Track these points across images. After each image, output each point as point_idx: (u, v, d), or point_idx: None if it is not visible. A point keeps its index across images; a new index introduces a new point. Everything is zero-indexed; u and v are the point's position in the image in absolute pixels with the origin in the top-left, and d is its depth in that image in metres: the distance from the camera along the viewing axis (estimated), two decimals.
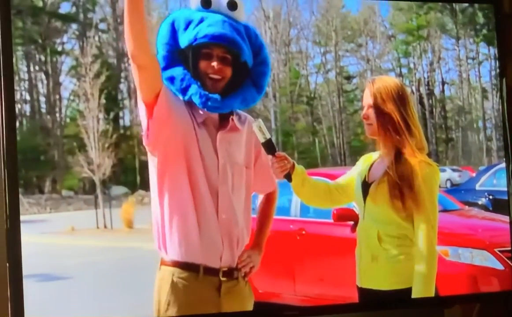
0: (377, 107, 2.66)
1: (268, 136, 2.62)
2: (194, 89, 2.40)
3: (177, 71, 2.44)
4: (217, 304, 2.45)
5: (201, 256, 2.41)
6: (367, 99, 2.70)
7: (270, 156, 2.66)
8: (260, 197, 2.76)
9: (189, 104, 2.42)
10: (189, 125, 2.41)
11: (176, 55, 2.46)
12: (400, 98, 2.67)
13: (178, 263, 2.40)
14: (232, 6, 2.52)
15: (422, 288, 2.57)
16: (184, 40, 2.44)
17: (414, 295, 2.57)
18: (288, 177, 2.69)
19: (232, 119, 2.49)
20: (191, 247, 2.40)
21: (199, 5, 2.51)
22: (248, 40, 2.52)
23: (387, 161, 2.67)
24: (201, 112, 2.43)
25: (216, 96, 2.41)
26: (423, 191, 2.58)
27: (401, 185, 2.60)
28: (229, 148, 2.49)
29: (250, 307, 2.61)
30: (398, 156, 2.64)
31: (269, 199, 2.77)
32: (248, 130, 2.58)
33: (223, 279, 2.44)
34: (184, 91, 2.42)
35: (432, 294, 2.60)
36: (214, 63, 2.41)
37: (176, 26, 2.48)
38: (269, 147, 2.63)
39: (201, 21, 2.45)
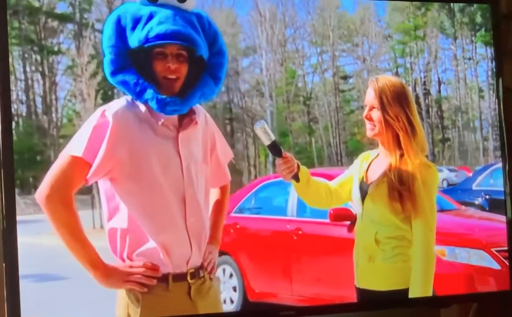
0: (383, 109, 2.64)
1: (273, 137, 2.58)
2: (149, 94, 2.29)
3: (129, 76, 2.31)
4: (190, 308, 2.42)
5: (169, 265, 2.36)
6: (371, 99, 2.67)
7: (276, 158, 2.64)
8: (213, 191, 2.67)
9: (146, 107, 2.34)
10: (143, 135, 2.33)
11: (125, 57, 2.33)
12: (404, 99, 2.66)
13: None
14: None
15: (419, 290, 2.58)
16: (133, 40, 2.31)
17: (411, 295, 2.58)
18: (296, 177, 2.67)
19: (194, 117, 2.42)
20: (158, 258, 2.35)
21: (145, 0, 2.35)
22: (201, 30, 2.40)
23: (386, 162, 2.66)
24: (158, 115, 2.35)
25: (175, 99, 2.32)
26: (422, 194, 2.58)
27: (401, 188, 2.59)
28: (190, 147, 2.41)
29: (220, 301, 2.64)
30: (399, 158, 2.63)
31: (223, 192, 2.71)
32: (203, 123, 2.51)
33: (191, 281, 2.40)
34: (139, 94, 2.31)
35: (429, 295, 2.60)
36: (170, 64, 2.31)
37: (123, 23, 2.33)
38: (275, 149, 2.60)
39: (150, 17, 2.31)
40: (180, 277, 2.38)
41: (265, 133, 2.57)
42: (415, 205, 2.58)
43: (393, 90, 2.65)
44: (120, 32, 2.31)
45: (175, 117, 2.40)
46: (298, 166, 2.69)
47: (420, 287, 2.57)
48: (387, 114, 2.63)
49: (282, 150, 2.63)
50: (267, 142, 2.59)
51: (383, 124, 2.65)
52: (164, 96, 2.30)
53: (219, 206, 2.68)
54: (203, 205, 2.47)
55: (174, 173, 2.36)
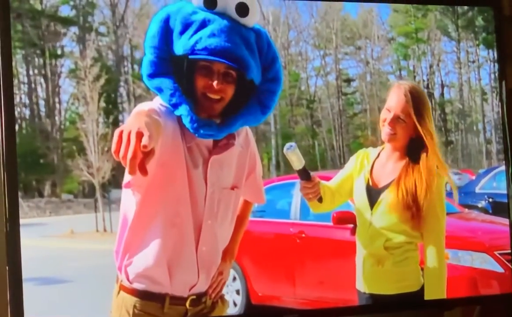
0: (420, 123, 2.57)
1: (303, 162, 2.46)
2: (184, 110, 2.05)
3: (166, 83, 2.08)
4: None
5: (169, 287, 2.20)
6: (397, 107, 2.58)
7: (303, 182, 2.57)
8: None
9: (181, 121, 2.09)
10: (180, 150, 2.11)
11: (167, 62, 2.10)
12: (429, 107, 2.61)
13: (141, 293, 2.19)
14: (242, 11, 2.11)
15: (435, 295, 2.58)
16: (179, 47, 2.07)
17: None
18: (320, 199, 2.63)
19: (233, 142, 2.21)
20: (159, 277, 2.18)
21: (201, 4, 2.10)
22: (258, 51, 2.16)
23: (397, 167, 2.62)
24: (191, 133, 2.09)
25: (211, 122, 2.09)
26: (436, 203, 2.55)
27: (415, 197, 2.55)
28: (219, 173, 2.21)
29: None
30: (416, 167, 2.59)
31: (247, 205, 2.53)
32: (242, 143, 2.31)
33: (189, 308, 2.25)
34: (173, 107, 2.08)
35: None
36: (215, 83, 2.06)
37: (171, 24, 2.09)
38: (305, 173, 2.52)
39: (202, 25, 2.06)
40: (178, 301, 2.22)
41: (298, 157, 2.45)
42: (429, 214, 2.53)
43: (423, 98, 2.58)
44: (166, 33, 2.09)
45: None
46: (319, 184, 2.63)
47: (436, 294, 2.57)
48: (424, 129, 2.55)
49: (311, 174, 2.56)
50: (298, 167, 2.48)
51: (421, 131, 2.56)
52: (200, 117, 2.06)
53: (240, 219, 2.48)
54: (223, 234, 2.29)
55: (197, 198, 2.16)
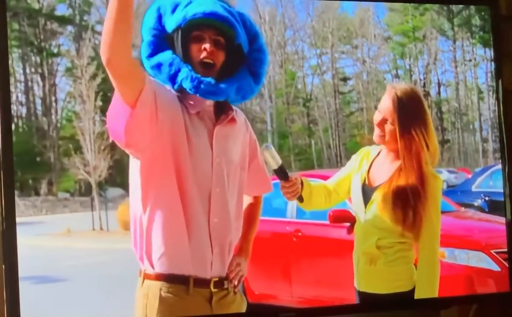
0: (403, 127, 2.53)
1: (280, 161, 2.46)
2: (184, 72, 2.16)
3: (165, 56, 2.19)
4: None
5: (190, 267, 2.22)
6: (386, 111, 2.55)
7: (281, 181, 2.57)
8: (246, 199, 2.48)
9: (181, 95, 2.19)
10: (179, 119, 2.17)
11: (163, 40, 2.22)
12: (423, 111, 2.58)
13: (165, 276, 2.21)
14: None
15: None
16: (171, 23, 2.21)
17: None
18: (300, 198, 2.63)
19: (231, 113, 2.27)
20: (179, 257, 2.20)
21: None
22: (242, 26, 2.29)
23: (392, 167, 2.60)
24: (194, 103, 2.20)
25: (210, 79, 2.16)
26: (429, 205, 2.54)
27: (407, 197, 2.54)
28: (225, 145, 2.27)
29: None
30: (409, 168, 2.58)
31: (257, 202, 2.56)
32: (242, 125, 2.38)
33: (214, 290, 2.26)
34: (173, 77, 2.17)
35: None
36: (206, 45, 2.18)
37: (162, 11, 2.24)
38: (282, 173, 2.51)
39: (189, 2, 2.22)
40: (202, 283, 2.24)
41: (273, 158, 2.45)
42: (422, 216, 2.52)
43: (413, 104, 2.51)
44: (159, 17, 2.24)
45: (211, 110, 2.26)
46: (302, 183, 2.62)
47: (425, 295, 2.57)
48: (408, 133, 2.52)
49: (288, 173, 2.55)
50: (274, 166, 2.47)
51: (398, 139, 2.54)
52: (198, 75, 2.15)
53: (250, 216, 2.51)
54: (232, 209, 2.31)
55: (203, 168, 2.22)
